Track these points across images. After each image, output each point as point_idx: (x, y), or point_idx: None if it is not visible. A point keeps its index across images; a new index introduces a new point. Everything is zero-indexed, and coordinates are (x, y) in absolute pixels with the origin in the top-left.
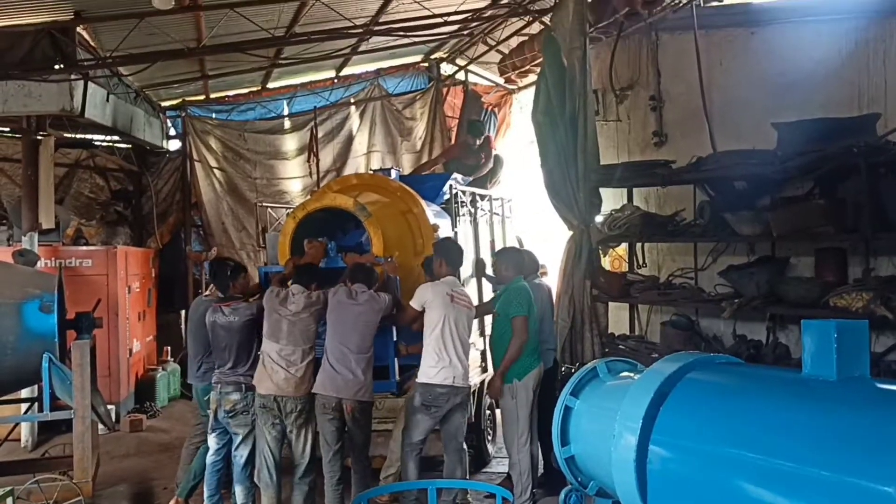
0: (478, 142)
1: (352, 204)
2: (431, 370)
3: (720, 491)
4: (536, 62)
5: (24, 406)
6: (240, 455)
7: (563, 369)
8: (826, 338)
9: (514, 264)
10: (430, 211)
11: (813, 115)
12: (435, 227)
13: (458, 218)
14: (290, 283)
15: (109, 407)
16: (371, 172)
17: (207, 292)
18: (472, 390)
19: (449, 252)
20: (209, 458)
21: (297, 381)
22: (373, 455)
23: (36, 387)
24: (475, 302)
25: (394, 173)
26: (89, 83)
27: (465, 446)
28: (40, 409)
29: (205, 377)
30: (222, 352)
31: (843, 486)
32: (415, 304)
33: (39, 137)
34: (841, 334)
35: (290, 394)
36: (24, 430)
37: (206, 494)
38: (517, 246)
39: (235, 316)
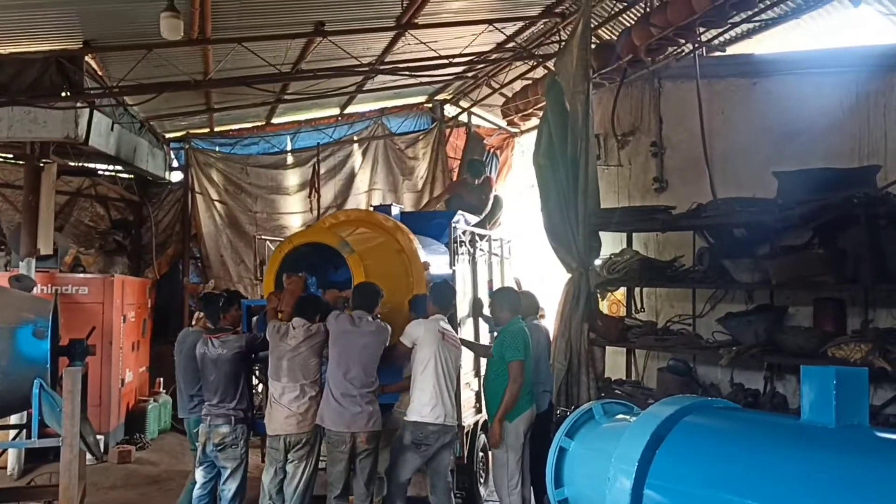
0: (477, 181)
1: (335, 240)
2: (425, 408)
3: None
4: (539, 105)
5: (12, 433)
6: (227, 489)
7: (558, 412)
8: (825, 384)
9: (510, 305)
10: (424, 249)
11: (814, 166)
12: (426, 265)
13: (456, 257)
14: (291, 317)
15: (98, 437)
16: (370, 209)
17: (193, 323)
18: (465, 431)
19: (441, 296)
20: (196, 492)
21: (298, 418)
22: None
23: (25, 413)
24: (472, 340)
25: (395, 209)
26: (95, 112)
27: (451, 485)
28: (28, 436)
29: (196, 410)
30: (211, 384)
31: None
32: (405, 340)
33: (42, 164)
34: (840, 381)
35: (293, 432)
36: (11, 458)
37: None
38: (515, 287)
39: (224, 349)
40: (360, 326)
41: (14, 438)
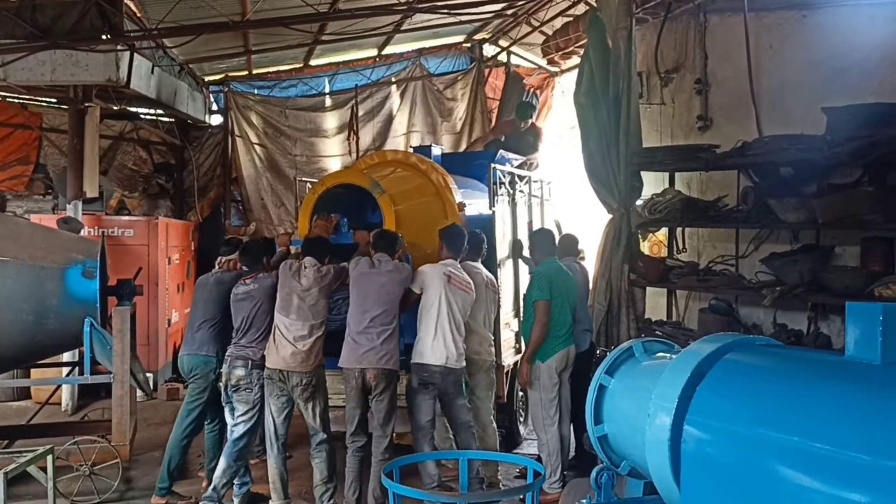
0: (524, 125)
1: (366, 181)
2: (427, 350)
3: (756, 473)
4: (580, 43)
5: (65, 370)
6: (235, 431)
7: (598, 352)
8: (872, 321)
9: (544, 246)
10: (464, 190)
11: (865, 101)
12: (461, 206)
13: (496, 198)
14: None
15: (147, 375)
16: (410, 150)
17: (218, 266)
18: (505, 371)
19: (452, 238)
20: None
21: (303, 355)
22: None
23: (77, 351)
24: (511, 283)
25: (435, 150)
26: (135, 55)
27: (471, 421)
28: (81, 373)
29: (189, 348)
30: (238, 322)
31: (884, 471)
32: (414, 286)
33: (86, 107)
34: (887, 317)
35: (295, 368)
36: (65, 395)
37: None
38: (555, 229)
39: (255, 284)
40: (378, 267)
41: (67, 375)
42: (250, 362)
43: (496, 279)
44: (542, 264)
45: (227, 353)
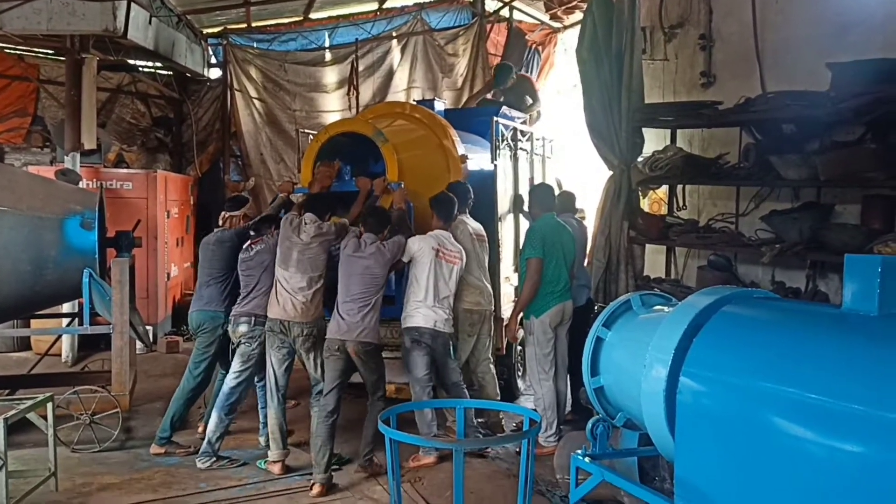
0: (503, 87)
1: (369, 129)
2: (416, 314)
3: (751, 424)
4: None
5: (65, 321)
6: (227, 383)
7: (596, 308)
8: (870, 273)
9: (542, 202)
10: (466, 145)
11: (871, 57)
12: (463, 158)
13: (497, 152)
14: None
15: (147, 328)
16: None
17: (221, 223)
18: (505, 324)
19: (440, 206)
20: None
21: (303, 306)
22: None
23: (77, 302)
24: (512, 237)
25: (438, 104)
26: (132, 4)
27: (461, 380)
28: (80, 324)
29: (198, 304)
30: (246, 283)
31: (878, 422)
32: (404, 257)
33: (83, 58)
34: (885, 270)
35: (296, 319)
36: (65, 346)
37: (259, 406)
38: (556, 186)
39: (263, 245)
40: (363, 250)
41: (67, 325)
42: (253, 318)
43: (497, 233)
44: (539, 220)
45: (233, 311)
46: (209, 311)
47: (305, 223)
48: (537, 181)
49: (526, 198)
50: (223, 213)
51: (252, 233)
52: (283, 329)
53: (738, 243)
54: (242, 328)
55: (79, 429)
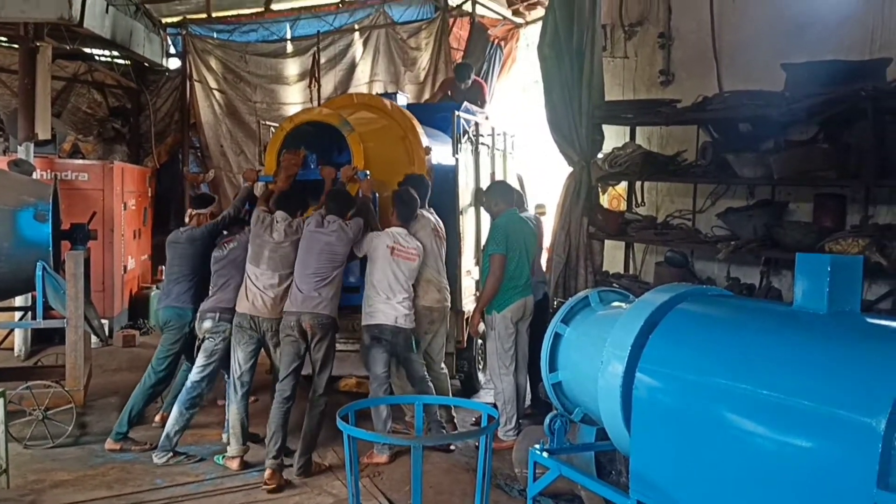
0: (464, 85)
1: (336, 119)
2: (376, 311)
3: (705, 420)
4: None
5: (17, 314)
6: (190, 378)
7: (555, 303)
8: (820, 272)
9: (503, 197)
10: (428, 139)
11: (825, 58)
12: (427, 150)
13: (459, 145)
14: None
15: (103, 321)
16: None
17: (187, 221)
18: (465, 317)
19: (403, 206)
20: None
21: (272, 302)
22: (340, 375)
23: (30, 296)
24: (473, 231)
25: (401, 98)
26: None
27: (425, 374)
28: (34, 318)
29: (166, 301)
30: (216, 280)
31: (827, 418)
32: (359, 251)
33: (37, 46)
34: (835, 269)
35: (265, 315)
36: (18, 340)
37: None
38: (517, 181)
39: (235, 243)
40: (325, 227)
41: (20, 320)
42: (218, 314)
43: (458, 227)
44: (502, 215)
45: (200, 308)
46: (177, 308)
47: (277, 221)
48: (498, 176)
49: (484, 194)
50: (189, 210)
51: (224, 232)
52: (252, 325)
53: (694, 240)
54: (207, 324)
55: (31, 424)
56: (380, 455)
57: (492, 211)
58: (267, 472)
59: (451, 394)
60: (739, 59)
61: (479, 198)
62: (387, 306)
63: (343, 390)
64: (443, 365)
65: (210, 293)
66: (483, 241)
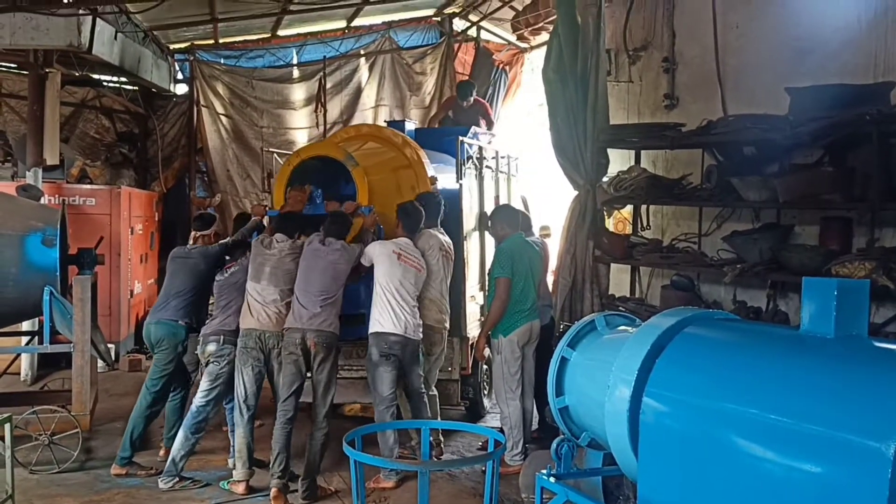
0: (465, 103)
1: (340, 153)
2: (385, 319)
3: (712, 445)
4: (550, 19)
5: (24, 339)
6: (196, 403)
7: (561, 327)
8: (827, 296)
9: (508, 222)
10: (434, 164)
11: (828, 83)
12: (433, 180)
13: (462, 170)
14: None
15: (109, 346)
16: (385, 124)
17: (192, 242)
18: (470, 343)
19: (407, 217)
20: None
21: (277, 315)
22: (344, 402)
23: (37, 320)
24: (477, 256)
25: (409, 125)
26: (97, 20)
27: (424, 391)
28: (41, 342)
29: (160, 315)
30: (219, 303)
31: (836, 442)
32: (364, 260)
33: (46, 73)
34: (841, 293)
35: (270, 328)
36: (24, 364)
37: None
38: (521, 204)
39: (238, 267)
40: (329, 246)
41: (27, 344)
42: (222, 336)
43: (463, 251)
44: (508, 239)
45: (202, 332)
46: (170, 324)
47: (277, 241)
48: (503, 200)
49: (489, 218)
50: (193, 232)
51: (227, 257)
52: (258, 342)
53: (700, 263)
54: (211, 347)
55: (37, 449)
56: (386, 480)
57: (497, 235)
58: (272, 492)
59: (438, 416)
60: (743, 83)
61: (485, 222)
62: (395, 315)
63: (348, 415)
64: (433, 388)
65: (212, 316)
66: (488, 266)
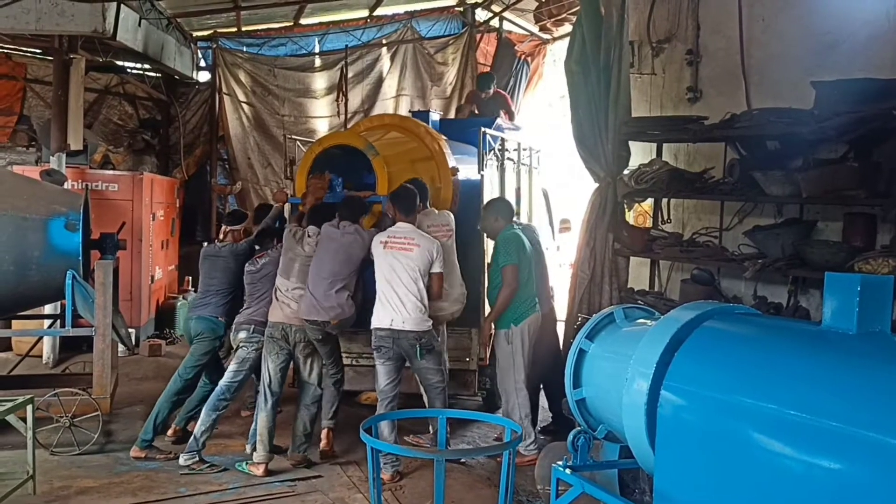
0: (485, 95)
1: (361, 142)
2: (376, 313)
3: (730, 439)
4: (573, 10)
5: (46, 322)
6: (223, 383)
7: (579, 319)
8: (849, 292)
9: (505, 213)
10: (457, 155)
11: (854, 77)
12: (454, 171)
13: (484, 161)
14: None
15: (130, 330)
16: (409, 114)
17: (221, 237)
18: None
19: (399, 200)
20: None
21: None
22: (361, 389)
23: (59, 304)
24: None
25: (434, 115)
26: (122, 6)
27: (438, 382)
28: (62, 326)
29: (201, 311)
30: (250, 293)
31: (856, 439)
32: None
33: (71, 59)
34: (864, 289)
35: (297, 323)
36: (46, 347)
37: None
38: (542, 197)
39: (268, 258)
40: (342, 230)
41: (49, 328)
42: (253, 325)
43: (483, 243)
44: (507, 229)
45: (235, 320)
46: (211, 319)
47: (308, 235)
48: (524, 191)
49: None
50: (223, 227)
51: (257, 247)
52: (284, 335)
53: (721, 258)
54: (242, 334)
55: (58, 431)
56: (384, 472)
57: (492, 227)
58: (324, 431)
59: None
60: (768, 76)
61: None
62: (384, 307)
63: (364, 403)
64: (435, 380)
65: (245, 306)
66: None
